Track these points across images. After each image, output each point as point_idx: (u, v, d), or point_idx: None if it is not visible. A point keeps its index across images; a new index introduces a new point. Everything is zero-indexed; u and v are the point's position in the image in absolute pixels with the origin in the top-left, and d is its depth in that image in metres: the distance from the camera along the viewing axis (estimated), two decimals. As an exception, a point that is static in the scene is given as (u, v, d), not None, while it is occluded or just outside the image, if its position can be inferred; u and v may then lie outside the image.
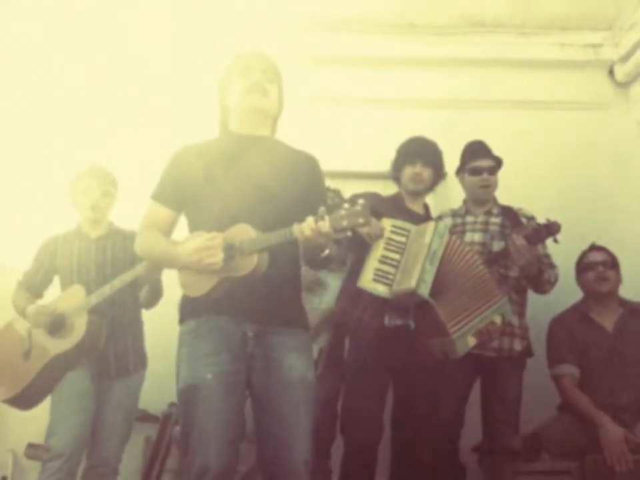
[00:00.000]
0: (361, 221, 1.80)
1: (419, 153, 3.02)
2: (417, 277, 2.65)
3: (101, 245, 3.00)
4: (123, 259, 2.96)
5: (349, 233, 1.84)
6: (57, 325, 2.83)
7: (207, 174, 2.06)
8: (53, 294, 3.03)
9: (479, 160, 3.08)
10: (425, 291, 2.67)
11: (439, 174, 3.09)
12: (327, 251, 1.94)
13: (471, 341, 2.68)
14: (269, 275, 1.94)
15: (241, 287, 1.94)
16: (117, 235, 3.04)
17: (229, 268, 1.91)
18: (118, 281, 2.78)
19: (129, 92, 3.82)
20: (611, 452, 2.69)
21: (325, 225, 1.81)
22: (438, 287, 2.71)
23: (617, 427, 2.76)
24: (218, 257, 1.89)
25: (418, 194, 3.09)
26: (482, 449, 3.03)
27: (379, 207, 2.97)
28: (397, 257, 2.81)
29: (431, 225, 2.82)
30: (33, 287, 3.04)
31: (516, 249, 2.80)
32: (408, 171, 3.04)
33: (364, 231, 2.73)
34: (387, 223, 2.88)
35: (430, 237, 2.75)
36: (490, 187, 3.11)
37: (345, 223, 1.80)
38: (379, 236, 2.80)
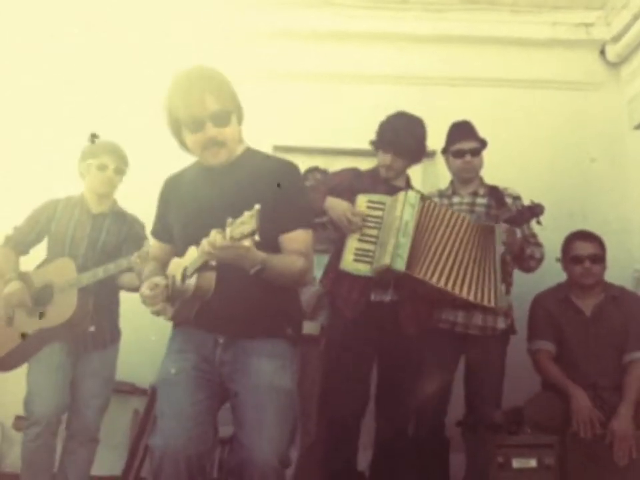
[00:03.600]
0: (247, 228, 1.68)
1: (394, 142, 2.90)
2: (391, 253, 2.65)
3: (99, 222, 2.99)
4: (114, 242, 2.97)
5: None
6: (44, 296, 2.86)
7: (177, 208, 2.13)
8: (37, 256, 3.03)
9: (462, 142, 3.06)
10: (400, 265, 2.66)
11: (414, 160, 3.02)
12: (257, 267, 1.83)
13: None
14: (237, 288, 1.91)
15: (213, 303, 1.94)
16: (117, 215, 3.03)
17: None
18: (113, 265, 2.82)
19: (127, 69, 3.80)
20: (578, 418, 2.77)
21: (220, 238, 1.73)
22: (418, 256, 2.71)
23: (586, 397, 2.80)
24: (158, 306, 2.02)
25: (389, 179, 3.01)
26: (465, 423, 3.07)
27: (357, 182, 2.97)
28: (374, 232, 2.80)
29: (400, 196, 2.78)
30: (22, 244, 3.01)
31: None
32: (380, 157, 2.98)
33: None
34: (362, 200, 2.85)
35: (400, 208, 2.73)
36: (473, 168, 3.10)
37: (236, 234, 1.70)
38: (349, 223, 2.81)
